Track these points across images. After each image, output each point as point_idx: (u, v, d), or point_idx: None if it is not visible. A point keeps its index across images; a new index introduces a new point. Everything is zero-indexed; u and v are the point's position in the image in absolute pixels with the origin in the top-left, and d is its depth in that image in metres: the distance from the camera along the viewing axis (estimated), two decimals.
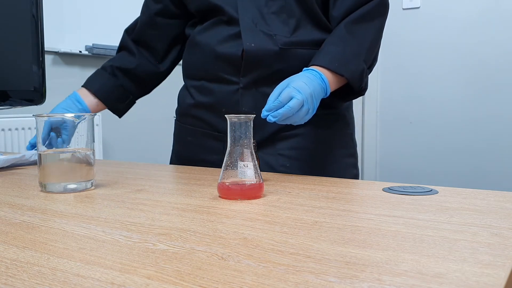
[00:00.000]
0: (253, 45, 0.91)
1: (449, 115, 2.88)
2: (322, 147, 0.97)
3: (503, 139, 2.75)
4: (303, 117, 0.79)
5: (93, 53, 2.54)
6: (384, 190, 0.68)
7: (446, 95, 2.89)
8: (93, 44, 2.55)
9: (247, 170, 0.63)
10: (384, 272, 0.36)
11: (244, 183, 0.63)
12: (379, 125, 3.13)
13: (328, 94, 0.86)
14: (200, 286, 0.33)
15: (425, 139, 2.96)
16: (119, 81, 1.09)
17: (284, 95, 0.77)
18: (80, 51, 2.51)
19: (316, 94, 0.81)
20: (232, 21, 0.94)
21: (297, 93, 0.77)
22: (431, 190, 0.67)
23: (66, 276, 0.36)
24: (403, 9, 2.97)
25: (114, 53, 2.86)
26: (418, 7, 2.94)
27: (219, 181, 0.64)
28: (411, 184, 0.71)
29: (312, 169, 0.94)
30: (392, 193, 0.66)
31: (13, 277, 0.36)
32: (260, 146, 0.94)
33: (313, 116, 0.82)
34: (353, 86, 0.89)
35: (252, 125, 0.64)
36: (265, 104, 0.81)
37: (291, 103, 0.76)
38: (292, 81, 0.80)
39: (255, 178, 0.63)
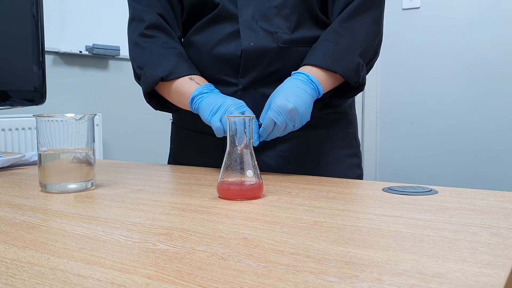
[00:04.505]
0: (252, 44, 0.88)
1: (449, 115, 2.88)
2: (325, 148, 0.95)
3: (503, 139, 2.75)
4: (291, 130, 0.80)
5: (93, 53, 2.54)
6: (384, 190, 0.68)
7: (446, 95, 2.89)
8: (93, 44, 2.55)
9: (246, 171, 0.63)
10: (384, 272, 0.36)
11: (243, 183, 0.63)
12: (379, 125, 3.13)
13: (322, 93, 0.84)
14: (200, 286, 0.33)
15: (425, 139, 2.96)
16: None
17: (267, 122, 0.78)
18: (80, 51, 2.51)
19: (302, 103, 0.79)
20: (230, 17, 0.89)
21: (278, 115, 0.77)
22: (431, 190, 0.67)
23: (66, 276, 0.36)
24: (403, 9, 2.97)
25: (114, 53, 2.85)
26: (418, 7, 2.94)
27: (218, 181, 0.64)
28: (411, 184, 0.71)
29: (315, 171, 0.91)
30: (392, 193, 0.66)
31: (13, 277, 0.36)
32: (261, 148, 0.91)
33: (315, 116, 0.81)
34: (349, 82, 0.87)
35: (252, 125, 0.64)
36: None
37: (273, 133, 0.79)
38: (273, 98, 0.80)
39: (255, 179, 0.63)
